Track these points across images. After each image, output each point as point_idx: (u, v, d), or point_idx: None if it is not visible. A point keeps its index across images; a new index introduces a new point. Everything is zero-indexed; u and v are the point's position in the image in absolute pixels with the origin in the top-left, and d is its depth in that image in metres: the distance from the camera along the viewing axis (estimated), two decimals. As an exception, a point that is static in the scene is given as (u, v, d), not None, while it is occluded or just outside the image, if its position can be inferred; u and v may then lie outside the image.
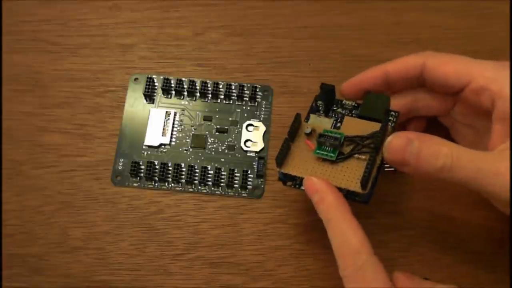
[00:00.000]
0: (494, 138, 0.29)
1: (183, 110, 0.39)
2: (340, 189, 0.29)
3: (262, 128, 0.38)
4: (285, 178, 0.31)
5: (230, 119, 0.39)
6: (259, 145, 0.38)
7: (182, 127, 0.38)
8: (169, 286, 0.34)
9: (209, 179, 0.37)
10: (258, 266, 0.35)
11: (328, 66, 0.41)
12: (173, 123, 0.38)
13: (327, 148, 0.30)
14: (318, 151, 0.30)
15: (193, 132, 0.38)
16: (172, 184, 0.37)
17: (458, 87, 0.30)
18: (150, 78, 0.39)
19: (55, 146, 0.38)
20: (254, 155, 0.38)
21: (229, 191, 0.37)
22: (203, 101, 0.39)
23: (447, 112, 0.34)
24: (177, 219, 0.36)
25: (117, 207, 0.36)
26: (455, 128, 0.35)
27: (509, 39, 0.41)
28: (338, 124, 0.32)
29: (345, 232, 0.27)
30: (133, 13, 0.42)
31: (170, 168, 0.37)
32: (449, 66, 0.30)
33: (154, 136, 0.38)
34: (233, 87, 0.39)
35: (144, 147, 0.38)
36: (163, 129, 0.38)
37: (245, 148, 0.38)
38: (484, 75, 0.29)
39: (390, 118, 0.32)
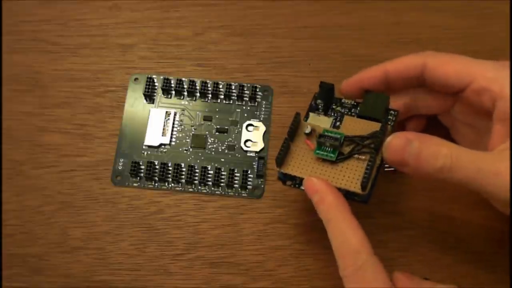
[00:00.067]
0: (494, 138, 0.29)
1: (183, 110, 0.39)
2: (339, 189, 0.29)
3: (262, 128, 0.38)
4: (285, 178, 0.31)
5: (230, 119, 0.39)
6: (259, 145, 0.38)
7: (182, 127, 0.38)
8: (169, 286, 0.34)
9: (209, 179, 0.37)
10: (258, 266, 0.35)
11: (328, 66, 0.41)
12: (173, 123, 0.38)
13: (327, 148, 0.30)
14: (318, 151, 0.30)
15: (193, 132, 0.38)
16: (172, 184, 0.37)
17: (458, 87, 0.30)
18: (150, 78, 0.39)
19: (55, 146, 0.38)
20: (254, 155, 0.38)
21: (229, 191, 0.37)
22: (203, 101, 0.39)
23: (447, 110, 0.34)
24: (177, 219, 0.36)
25: (117, 207, 0.36)
26: (455, 128, 0.35)
27: (509, 39, 0.41)
28: (338, 123, 0.32)
29: (345, 232, 0.27)
30: (133, 13, 0.42)
31: (170, 168, 0.37)
32: (449, 66, 0.30)
33: (154, 136, 0.38)
34: (233, 87, 0.39)
35: (144, 147, 0.38)
36: (163, 129, 0.38)
37: (245, 148, 0.38)
38: (485, 75, 0.29)
39: (389, 117, 0.32)
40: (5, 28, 0.42)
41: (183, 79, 0.39)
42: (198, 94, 0.39)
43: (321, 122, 0.32)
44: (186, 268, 0.35)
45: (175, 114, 0.39)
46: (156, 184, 0.37)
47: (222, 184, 0.37)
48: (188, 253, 0.35)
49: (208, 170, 0.37)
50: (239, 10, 0.43)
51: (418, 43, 0.41)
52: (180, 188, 0.37)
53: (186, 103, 0.39)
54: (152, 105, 0.39)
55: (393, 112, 0.32)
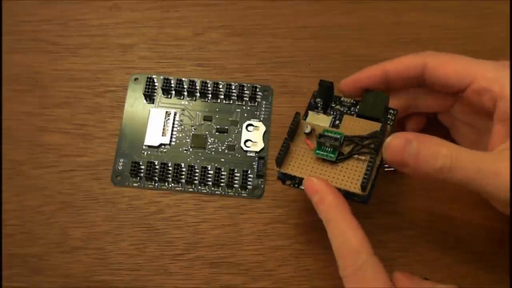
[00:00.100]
0: (495, 138, 0.29)
1: (183, 110, 0.39)
2: (339, 189, 0.29)
3: (262, 128, 0.38)
4: (284, 178, 0.31)
5: (230, 119, 0.39)
6: (259, 145, 0.38)
7: (182, 127, 0.38)
8: (169, 286, 0.34)
9: (209, 179, 0.37)
10: (258, 266, 0.35)
11: (328, 66, 0.41)
12: (173, 123, 0.38)
13: (327, 148, 0.30)
14: (318, 151, 0.30)
15: (193, 132, 0.38)
16: (172, 184, 0.37)
17: (459, 87, 0.30)
18: (150, 78, 0.39)
19: (55, 146, 0.38)
20: (254, 155, 0.38)
21: (229, 191, 0.37)
22: (203, 101, 0.39)
23: (447, 109, 0.34)
24: (177, 219, 0.36)
25: (117, 207, 0.36)
26: (455, 128, 0.35)
27: (509, 39, 0.41)
28: (337, 122, 0.32)
29: (345, 232, 0.27)
30: (133, 13, 0.42)
31: (170, 168, 0.37)
32: (449, 66, 0.30)
33: (154, 136, 0.38)
34: (233, 87, 0.39)
35: (144, 147, 0.38)
36: (163, 129, 0.38)
37: (245, 148, 0.38)
38: (485, 75, 0.29)
39: (388, 116, 0.32)
40: (5, 28, 0.42)
41: (183, 79, 0.39)
42: (198, 94, 0.39)
43: (320, 120, 0.32)
44: (186, 268, 0.35)
45: (175, 114, 0.39)
46: (156, 184, 0.37)
47: (222, 184, 0.37)
48: (188, 253, 0.35)
49: (208, 170, 0.37)
50: (239, 10, 0.43)
51: (418, 43, 0.41)
52: (180, 188, 0.37)
53: (186, 103, 0.39)
54: (152, 105, 0.39)
55: (392, 111, 0.32)
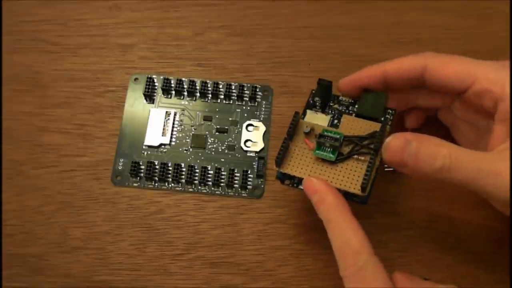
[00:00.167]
0: (495, 138, 0.29)
1: (183, 110, 0.39)
2: (338, 190, 0.29)
3: (262, 128, 0.38)
4: (283, 177, 0.31)
5: (230, 119, 0.39)
6: (259, 145, 0.38)
7: (182, 127, 0.38)
8: (169, 286, 0.34)
9: (209, 179, 0.37)
10: (258, 266, 0.35)
11: (328, 66, 0.41)
12: (173, 123, 0.38)
13: (327, 148, 0.30)
14: (317, 151, 0.30)
15: (193, 132, 0.38)
16: (172, 184, 0.37)
17: (459, 89, 0.30)
18: (150, 78, 0.39)
19: (55, 146, 0.38)
20: (254, 155, 0.38)
21: (229, 191, 0.37)
22: (203, 101, 0.39)
23: (448, 105, 0.34)
24: (177, 219, 0.36)
25: (117, 207, 0.36)
26: (456, 126, 0.35)
27: (509, 39, 0.41)
28: (335, 121, 0.32)
29: (345, 233, 0.27)
30: (133, 13, 0.42)
31: (170, 168, 0.37)
32: (450, 68, 0.30)
33: (154, 136, 0.38)
34: (233, 87, 0.39)
35: (144, 147, 0.38)
36: (163, 129, 0.38)
37: (245, 148, 0.38)
38: (486, 77, 0.29)
39: (387, 116, 0.32)
40: (5, 28, 0.42)
41: (183, 79, 0.39)
42: (198, 94, 0.39)
43: (318, 119, 0.32)
44: (186, 268, 0.35)
45: (175, 114, 0.39)
46: (156, 184, 0.37)
47: (222, 184, 0.37)
48: (188, 253, 0.35)
49: (208, 170, 0.37)
50: (239, 10, 0.43)
51: (418, 43, 0.41)
52: (180, 188, 0.37)
53: (186, 103, 0.39)
54: (152, 105, 0.39)
55: (390, 111, 0.33)
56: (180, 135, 0.38)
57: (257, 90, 0.39)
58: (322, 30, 0.42)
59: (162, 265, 0.35)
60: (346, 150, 0.30)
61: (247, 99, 0.39)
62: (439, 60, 0.31)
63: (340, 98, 0.34)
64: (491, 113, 0.29)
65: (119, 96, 0.40)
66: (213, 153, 0.38)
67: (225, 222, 0.36)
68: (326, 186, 0.29)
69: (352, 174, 0.30)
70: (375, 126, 0.31)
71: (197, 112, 0.39)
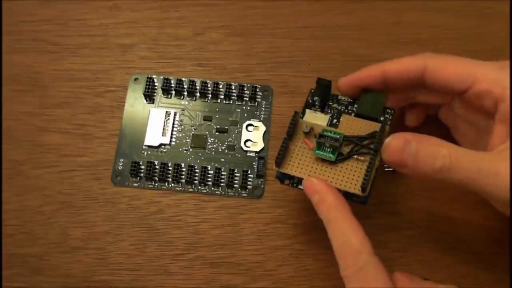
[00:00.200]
0: (495, 138, 0.29)
1: (183, 110, 0.39)
2: (338, 190, 0.29)
3: (262, 128, 0.38)
4: (283, 177, 0.31)
5: (230, 119, 0.39)
6: (259, 145, 0.38)
7: (182, 127, 0.38)
8: (169, 286, 0.34)
9: (209, 179, 0.37)
10: (258, 266, 0.35)
11: (328, 66, 0.40)
12: (173, 123, 0.38)
13: (327, 148, 0.30)
14: (317, 151, 0.30)
15: (193, 132, 0.38)
16: (172, 184, 0.37)
17: (459, 89, 0.30)
18: (150, 78, 0.39)
19: (55, 146, 0.38)
20: (254, 155, 0.38)
21: (229, 191, 0.37)
22: (203, 101, 0.39)
23: (447, 103, 0.34)
24: (177, 219, 0.36)
25: (117, 207, 0.36)
26: (456, 127, 0.35)
27: (509, 39, 0.41)
28: (334, 120, 0.32)
29: (345, 233, 0.27)
30: (133, 13, 0.42)
31: (170, 168, 0.37)
32: (450, 69, 0.30)
33: (154, 136, 0.38)
34: (233, 87, 0.39)
35: (144, 147, 0.38)
36: (163, 129, 0.38)
37: (245, 148, 0.38)
38: (486, 77, 0.29)
39: (386, 115, 0.32)
40: (5, 28, 0.42)
41: (183, 79, 0.39)
42: (198, 94, 0.39)
43: (317, 119, 0.32)
44: (186, 268, 0.35)
45: (175, 114, 0.39)
46: (156, 184, 0.37)
47: (222, 184, 0.37)
48: (188, 253, 0.35)
49: (208, 170, 0.37)
50: (239, 10, 0.43)
51: (418, 43, 0.41)
52: (180, 188, 0.37)
53: (186, 103, 0.39)
54: (152, 105, 0.39)
55: (389, 111, 0.33)
56: (180, 135, 0.38)
57: (257, 90, 0.39)
58: (322, 30, 0.42)
59: (162, 265, 0.35)
60: (345, 150, 0.30)
61: (247, 99, 0.39)
62: (439, 61, 0.31)
63: (339, 97, 0.34)
64: (491, 113, 0.29)
65: (119, 96, 0.40)
66: (213, 153, 0.38)
67: (225, 222, 0.36)
68: (326, 186, 0.29)
69: (352, 174, 0.30)
70: (375, 126, 0.31)
71: (197, 112, 0.39)
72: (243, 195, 0.37)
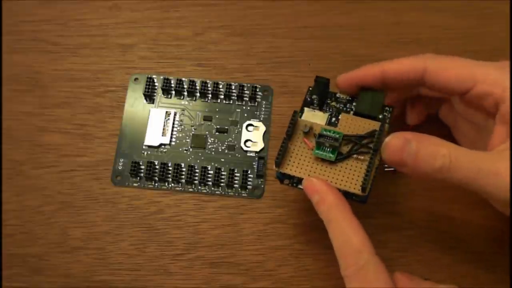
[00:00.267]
0: (495, 138, 0.29)
1: (183, 110, 0.39)
2: (338, 189, 0.29)
3: (262, 128, 0.38)
4: (283, 177, 0.31)
5: (230, 119, 0.39)
6: (259, 145, 0.38)
7: (182, 127, 0.38)
8: (169, 286, 0.34)
9: (209, 179, 0.37)
10: (258, 266, 0.35)
11: (328, 66, 0.40)
12: (173, 123, 0.38)
13: (326, 148, 0.30)
14: (317, 151, 0.30)
15: (193, 132, 0.38)
16: (172, 184, 0.37)
17: (460, 91, 0.30)
18: (150, 78, 0.39)
19: (55, 146, 0.38)
20: (254, 155, 0.38)
21: (229, 191, 0.37)
22: (203, 101, 0.39)
23: (448, 98, 0.34)
24: (177, 219, 0.36)
25: (117, 207, 0.36)
26: (456, 126, 0.35)
27: (509, 39, 0.41)
28: (333, 119, 0.32)
29: (346, 232, 0.27)
30: (133, 13, 0.42)
31: (170, 168, 0.37)
32: (450, 71, 0.30)
33: (154, 136, 0.38)
34: (233, 87, 0.39)
35: (144, 147, 0.38)
36: (163, 129, 0.38)
37: (245, 148, 0.38)
38: (487, 79, 0.29)
39: (385, 113, 0.32)
40: (5, 28, 0.42)
41: (183, 79, 0.39)
42: (198, 94, 0.39)
43: (316, 117, 0.32)
44: (186, 268, 0.35)
45: (175, 114, 0.39)
46: (156, 184, 0.37)
47: (222, 184, 0.37)
48: (188, 253, 0.35)
49: (208, 170, 0.37)
50: (239, 10, 0.43)
51: (418, 43, 0.41)
52: (180, 188, 0.37)
53: (186, 103, 0.39)
54: (152, 105, 0.39)
55: (388, 109, 0.33)
56: (180, 135, 0.38)
57: (257, 90, 0.39)
58: (322, 30, 0.42)
59: (162, 265, 0.35)
60: (345, 149, 0.30)
61: (247, 99, 0.39)
62: (439, 62, 0.30)
63: (338, 95, 0.34)
64: (492, 113, 0.29)
65: (119, 96, 0.40)
66: (213, 153, 0.38)
67: (225, 222, 0.36)
68: (326, 186, 0.29)
69: (352, 174, 0.30)
70: (374, 125, 0.31)
71: (197, 112, 0.39)
72: (243, 195, 0.37)
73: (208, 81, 0.39)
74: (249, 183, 0.37)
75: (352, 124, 0.31)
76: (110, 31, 0.42)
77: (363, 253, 0.26)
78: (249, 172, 0.37)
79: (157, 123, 0.38)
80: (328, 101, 0.33)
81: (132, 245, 0.35)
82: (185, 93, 0.39)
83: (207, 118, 0.39)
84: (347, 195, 0.30)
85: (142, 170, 0.37)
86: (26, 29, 0.42)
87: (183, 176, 0.37)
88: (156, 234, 0.36)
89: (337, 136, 0.30)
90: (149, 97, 0.39)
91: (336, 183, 0.29)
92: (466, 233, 0.36)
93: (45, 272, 0.35)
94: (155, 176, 0.37)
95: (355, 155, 0.30)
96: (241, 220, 0.36)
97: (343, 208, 0.28)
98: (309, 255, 0.35)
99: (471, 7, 0.43)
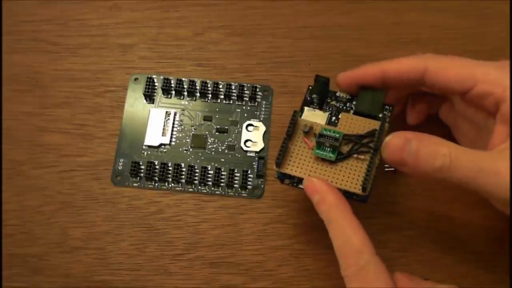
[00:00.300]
0: (495, 138, 0.29)
1: (183, 110, 0.39)
2: (338, 189, 0.29)
3: (262, 128, 0.38)
4: (283, 177, 0.31)
5: (230, 119, 0.39)
6: (259, 145, 0.38)
7: (182, 127, 0.38)
8: (169, 286, 0.34)
9: (209, 179, 0.37)
10: (258, 266, 0.35)
11: (328, 66, 0.40)
12: (173, 123, 0.38)
13: (327, 148, 0.30)
14: (317, 151, 0.30)
15: (193, 132, 0.38)
16: (172, 184, 0.37)
17: (461, 91, 0.30)
18: (150, 78, 0.39)
19: (55, 146, 0.38)
20: (254, 155, 0.38)
21: (229, 191, 0.37)
22: (203, 101, 0.39)
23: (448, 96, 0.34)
24: (177, 219, 0.36)
25: (117, 207, 0.36)
26: (457, 126, 0.35)
27: (509, 39, 0.41)
28: (333, 118, 0.32)
29: (346, 232, 0.27)
30: (133, 13, 0.42)
31: (170, 168, 0.37)
32: (451, 71, 0.30)
33: (154, 136, 0.38)
34: (233, 87, 0.39)
35: (144, 147, 0.38)
36: (163, 129, 0.38)
37: (245, 148, 0.38)
38: (487, 79, 0.29)
39: (384, 112, 0.32)
40: (5, 28, 0.42)
41: (183, 79, 0.39)
42: (198, 94, 0.39)
43: (316, 117, 0.32)
44: (186, 268, 0.35)
45: (175, 114, 0.39)
46: (156, 184, 0.37)
47: (222, 184, 0.37)
48: (188, 253, 0.35)
49: (208, 170, 0.37)
50: (239, 10, 0.43)
51: (418, 43, 0.41)
52: (180, 188, 0.37)
53: (186, 103, 0.39)
54: (152, 105, 0.39)
55: (388, 107, 0.32)
56: (180, 135, 0.38)
57: (257, 90, 0.39)
58: (322, 30, 0.42)
59: (162, 265, 0.35)
60: (345, 149, 0.30)
61: (247, 99, 0.39)
62: (440, 63, 0.30)
63: (338, 94, 0.34)
64: (492, 112, 0.29)
65: (119, 96, 0.39)
66: (213, 153, 0.38)
67: (225, 222, 0.36)
68: (327, 186, 0.29)
69: (353, 174, 0.30)
70: (374, 124, 0.31)
71: (197, 112, 0.39)
72: (243, 195, 0.37)
73: (208, 81, 0.39)
74: (249, 183, 0.37)
75: (352, 124, 0.31)
76: (110, 31, 0.42)
77: (364, 253, 0.26)
78: (249, 172, 0.37)
79: (157, 123, 0.38)
80: (328, 100, 0.33)
81: (132, 245, 0.35)
82: (185, 93, 0.39)
83: (207, 118, 0.39)
84: (348, 195, 0.30)
85: (142, 170, 0.37)
86: (26, 29, 0.42)
87: (183, 176, 0.37)
88: (156, 234, 0.36)
89: (337, 136, 0.30)
90: (149, 97, 0.39)
91: (336, 182, 0.29)
92: (466, 233, 0.36)
93: (45, 272, 0.35)
94: (155, 176, 0.37)
95: (355, 155, 0.30)
96: (241, 220, 0.36)
97: (344, 208, 0.28)
98: (309, 255, 0.35)
99: (471, 7, 0.43)
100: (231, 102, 0.39)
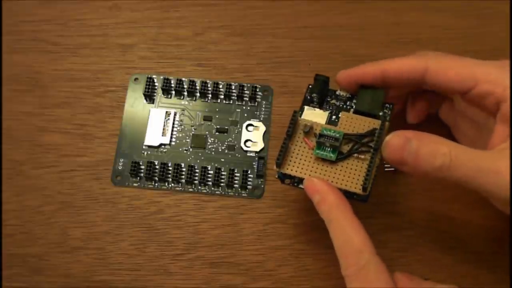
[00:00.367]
0: (495, 137, 0.29)
1: (183, 110, 0.39)
2: (339, 189, 0.29)
3: (262, 128, 0.38)
4: (284, 177, 0.31)
5: (230, 119, 0.39)
6: (259, 145, 0.38)
7: (182, 127, 0.38)
8: (169, 286, 0.34)
9: (209, 179, 0.37)
10: (258, 266, 0.35)
11: (328, 66, 0.40)
12: (173, 123, 0.38)
13: (327, 148, 0.30)
14: (317, 151, 0.30)
15: (193, 132, 0.38)
16: (172, 184, 0.37)
17: (461, 91, 0.30)
18: (150, 78, 0.39)
19: (55, 146, 0.38)
20: (254, 155, 0.38)
21: (229, 191, 0.37)
22: (203, 101, 0.39)
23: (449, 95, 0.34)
24: (177, 219, 0.36)
25: (117, 207, 0.36)
26: (457, 125, 0.35)
27: (509, 39, 0.41)
28: (333, 117, 0.32)
29: (347, 232, 0.27)
30: (133, 13, 0.42)
31: (170, 168, 0.37)
32: (451, 71, 0.30)
33: (154, 136, 0.38)
34: (233, 87, 0.39)
35: (144, 147, 0.38)
36: (163, 129, 0.38)
37: (245, 148, 0.38)
38: (488, 78, 0.29)
39: (385, 110, 0.32)
40: (5, 28, 0.42)
41: (183, 79, 0.39)
42: (198, 94, 0.39)
43: (316, 116, 0.32)
44: (186, 268, 0.35)
45: (175, 114, 0.39)
46: (156, 184, 0.37)
47: (222, 184, 0.37)
48: (188, 253, 0.35)
49: (208, 170, 0.37)
50: (239, 10, 0.43)
51: (418, 43, 0.41)
52: (180, 188, 0.37)
53: (186, 103, 0.39)
54: (152, 105, 0.39)
55: (388, 106, 0.32)
56: (180, 135, 0.38)
57: (257, 90, 0.39)
58: (322, 30, 0.42)
59: (162, 265, 0.35)
60: (345, 148, 0.30)
61: (247, 99, 0.39)
62: (441, 63, 0.30)
63: (337, 92, 0.34)
64: (492, 112, 0.29)
65: (119, 96, 0.39)
66: (213, 153, 0.38)
67: (225, 222, 0.36)
68: (327, 186, 0.29)
69: (353, 173, 0.30)
70: (374, 123, 0.31)
71: (197, 112, 0.39)
72: (243, 195, 0.37)
73: (208, 81, 0.39)
74: (249, 183, 0.36)
75: (352, 123, 0.31)
76: (110, 31, 0.42)
77: (364, 253, 0.26)
78: (249, 172, 0.37)
79: (157, 123, 0.38)
80: (328, 99, 0.33)
81: (132, 245, 0.35)
82: (185, 93, 0.39)
83: (207, 118, 0.39)
84: (348, 195, 0.30)
85: (142, 170, 0.37)
86: (26, 29, 0.42)
87: (183, 176, 0.37)
88: (156, 234, 0.36)
89: (338, 135, 0.30)
90: (149, 97, 0.39)
91: (337, 182, 0.29)
92: (466, 233, 0.36)
93: (45, 272, 0.35)
94: (155, 176, 0.37)
95: (355, 154, 0.30)
96: (241, 220, 0.36)
97: (344, 208, 0.28)
98: (309, 255, 0.35)
99: (471, 7, 0.43)
100: (231, 102, 0.39)
